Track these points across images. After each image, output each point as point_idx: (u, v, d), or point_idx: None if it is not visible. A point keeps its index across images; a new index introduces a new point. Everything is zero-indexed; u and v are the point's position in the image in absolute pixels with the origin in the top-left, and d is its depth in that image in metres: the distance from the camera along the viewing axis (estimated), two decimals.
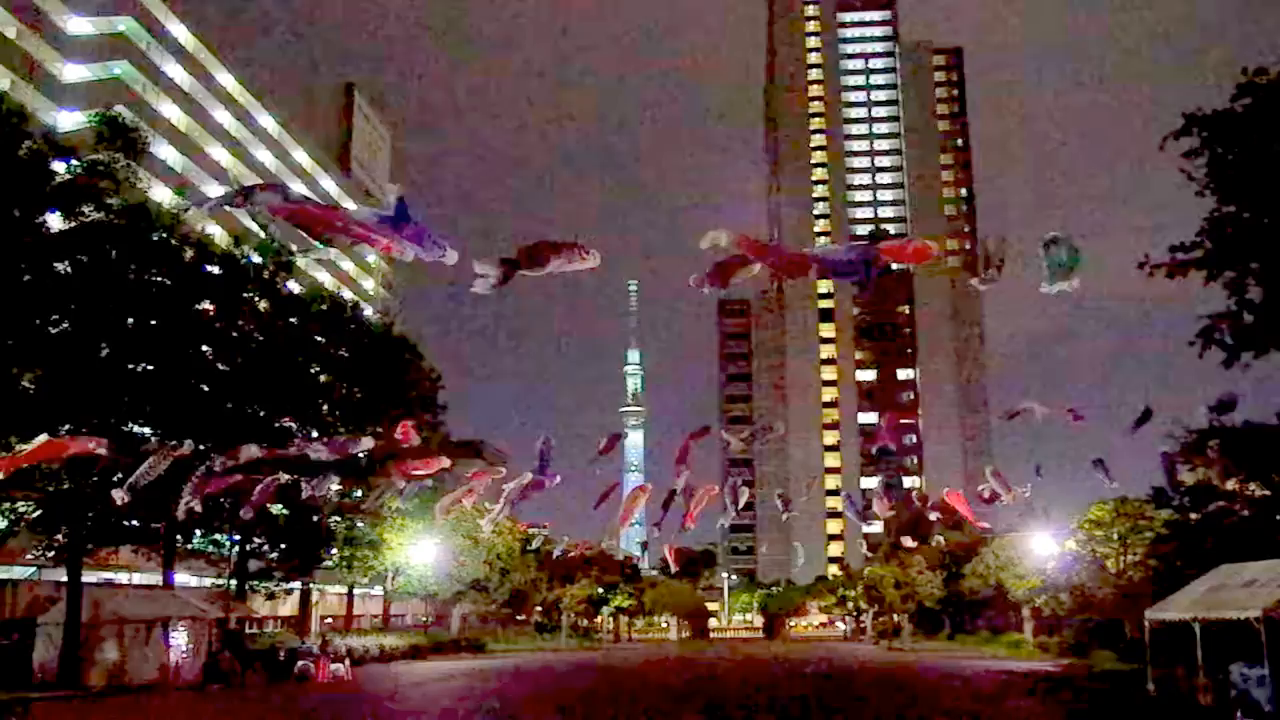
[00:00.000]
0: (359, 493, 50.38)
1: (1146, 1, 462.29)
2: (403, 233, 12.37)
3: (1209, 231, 28.35)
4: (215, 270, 45.12)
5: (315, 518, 55.35)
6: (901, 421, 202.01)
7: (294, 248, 50.63)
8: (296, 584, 62.10)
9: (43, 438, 23.14)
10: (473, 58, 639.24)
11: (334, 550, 61.80)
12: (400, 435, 26.95)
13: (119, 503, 23.47)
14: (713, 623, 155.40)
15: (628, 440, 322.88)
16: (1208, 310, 28.78)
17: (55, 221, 37.23)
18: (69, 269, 37.23)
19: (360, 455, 27.23)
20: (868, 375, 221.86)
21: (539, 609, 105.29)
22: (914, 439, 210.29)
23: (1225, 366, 28.75)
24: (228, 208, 13.48)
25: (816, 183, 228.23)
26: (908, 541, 74.59)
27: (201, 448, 25.14)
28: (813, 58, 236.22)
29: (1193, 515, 46.61)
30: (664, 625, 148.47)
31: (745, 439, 44.86)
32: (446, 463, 27.77)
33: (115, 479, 35.13)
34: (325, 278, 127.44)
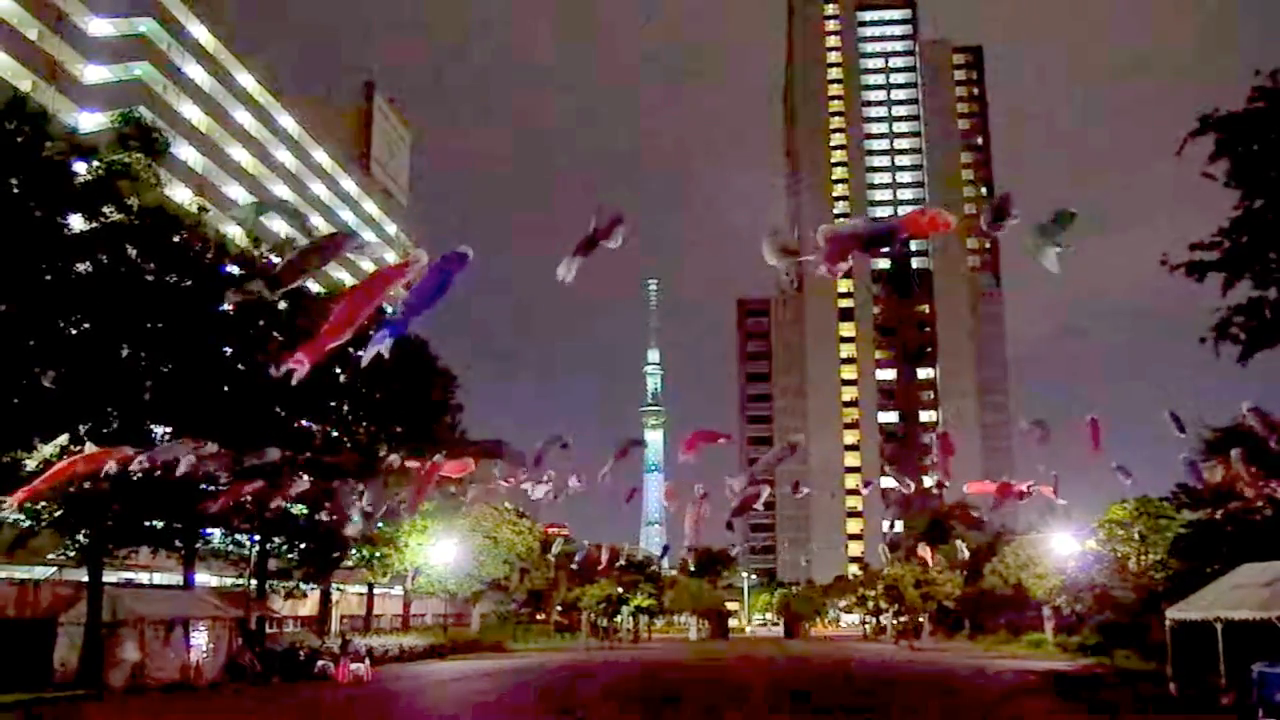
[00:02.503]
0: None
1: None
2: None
3: (1230, 231, 28.20)
4: (235, 270, 45.23)
5: (335, 517, 55.42)
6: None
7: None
8: (316, 583, 62.21)
9: (57, 447, 23.11)
10: (484, 56, 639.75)
11: (354, 550, 61.88)
12: (430, 471, 26.87)
13: (144, 468, 23.43)
14: (732, 622, 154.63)
15: (647, 440, 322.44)
16: (1226, 304, 28.63)
17: (77, 222, 37.38)
18: (90, 269, 37.36)
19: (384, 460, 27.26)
20: (888, 374, 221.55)
21: (558, 608, 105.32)
22: (934, 438, 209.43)
23: (1240, 362, 28.62)
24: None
25: (836, 181, 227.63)
26: (925, 551, 74.84)
27: (222, 449, 25.14)
28: (832, 57, 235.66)
29: (1215, 514, 46.43)
30: (683, 625, 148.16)
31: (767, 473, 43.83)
32: (472, 465, 27.80)
33: (136, 478, 35.32)
34: (345, 277, 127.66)
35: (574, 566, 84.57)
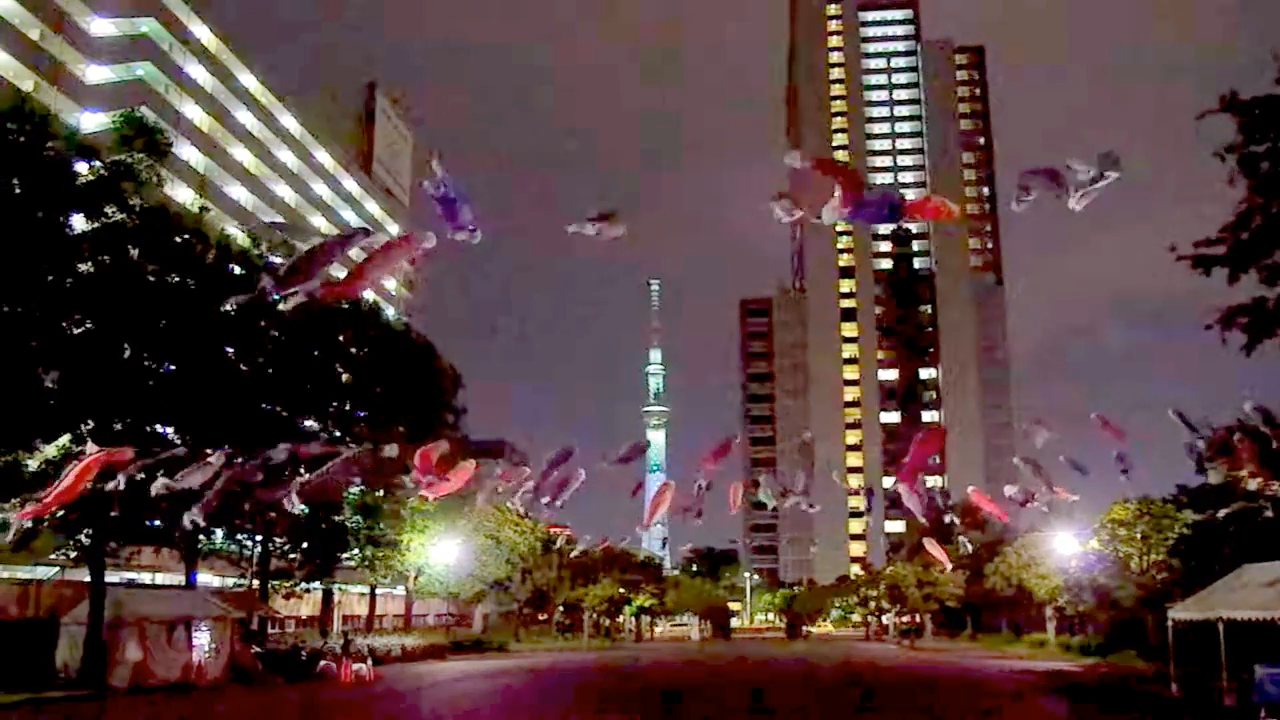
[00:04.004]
0: (380, 492, 50.59)
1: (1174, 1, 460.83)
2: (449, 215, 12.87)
3: (1235, 226, 28.22)
4: (236, 270, 45.23)
5: (337, 518, 55.47)
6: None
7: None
8: (318, 584, 62.25)
9: (78, 460, 22.82)
10: (483, 57, 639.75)
11: (355, 550, 61.92)
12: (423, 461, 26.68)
13: (155, 494, 23.35)
14: (735, 622, 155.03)
15: (650, 440, 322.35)
16: (1230, 301, 28.68)
17: (79, 222, 37.38)
18: (92, 270, 37.37)
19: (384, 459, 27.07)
20: (890, 375, 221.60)
21: (560, 609, 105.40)
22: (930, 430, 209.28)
23: (1245, 352, 28.67)
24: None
25: None
26: (933, 546, 74.64)
27: (228, 449, 25.01)
28: (835, 56, 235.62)
29: (1217, 514, 46.39)
30: (685, 625, 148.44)
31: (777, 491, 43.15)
32: (472, 465, 27.72)
33: (139, 478, 35.27)
34: None
35: (574, 555, 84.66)
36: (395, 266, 13.47)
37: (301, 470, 27.98)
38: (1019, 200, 12.69)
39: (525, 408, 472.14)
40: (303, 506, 26.98)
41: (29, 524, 41.11)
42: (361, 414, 55.95)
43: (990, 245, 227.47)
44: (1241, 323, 28.35)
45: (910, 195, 13.05)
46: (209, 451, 23.82)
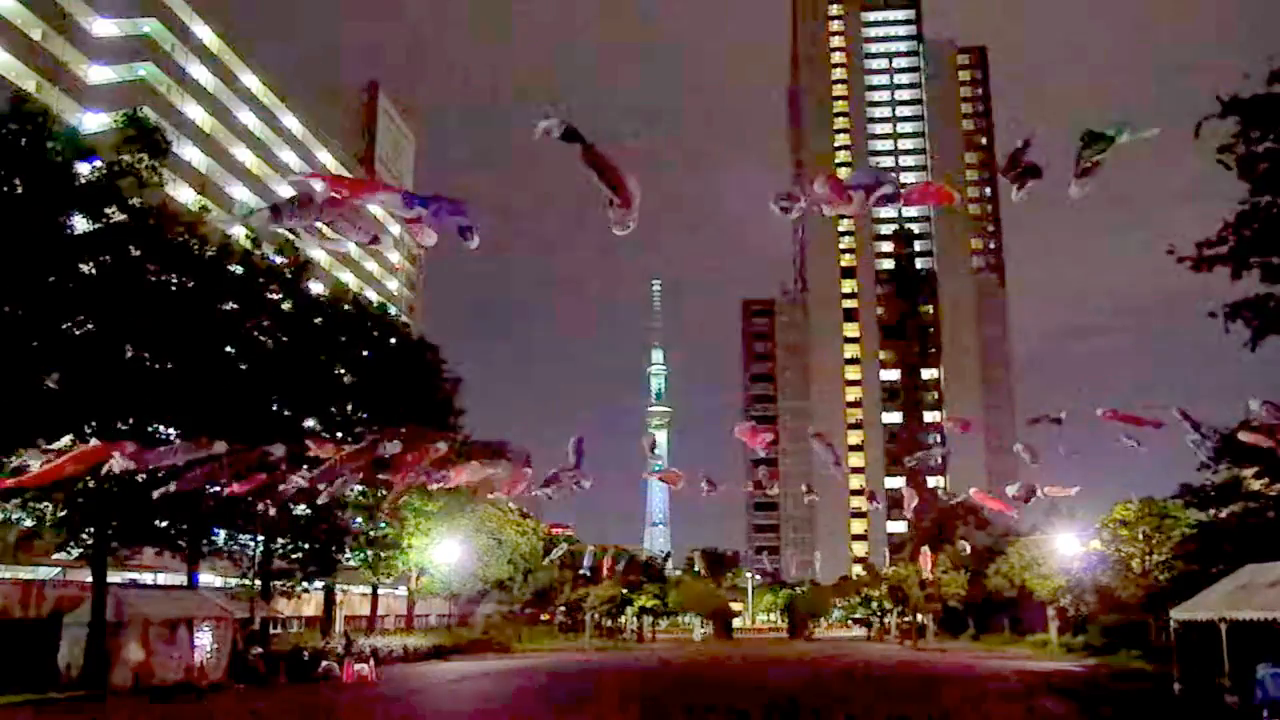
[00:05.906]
0: (382, 492, 50.56)
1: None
2: (431, 211, 12.63)
3: (1236, 225, 28.25)
4: (237, 270, 45.22)
5: (338, 515, 55.42)
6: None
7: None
8: (320, 584, 62.19)
9: (62, 445, 22.89)
10: (483, 57, 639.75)
11: (356, 551, 61.84)
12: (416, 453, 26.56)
13: (155, 497, 23.29)
14: (736, 623, 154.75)
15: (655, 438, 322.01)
16: (1234, 298, 28.72)
17: (80, 223, 37.36)
18: (93, 270, 37.35)
19: (384, 456, 27.00)
20: (892, 375, 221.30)
21: (562, 609, 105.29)
22: (938, 438, 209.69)
23: (1250, 347, 28.68)
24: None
25: None
26: (925, 557, 75.27)
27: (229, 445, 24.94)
28: (837, 57, 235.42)
29: (1220, 514, 46.40)
30: (687, 625, 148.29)
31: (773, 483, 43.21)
32: (474, 468, 27.64)
33: (140, 478, 35.33)
34: (349, 278, 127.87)
35: (584, 573, 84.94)
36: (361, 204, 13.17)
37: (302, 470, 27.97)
38: (1014, 165, 12.58)
39: (526, 408, 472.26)
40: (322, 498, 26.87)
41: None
42: (364, 415, 55.94)
43: (992, 245, 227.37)
44: (1247, 316, 28.39)
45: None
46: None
